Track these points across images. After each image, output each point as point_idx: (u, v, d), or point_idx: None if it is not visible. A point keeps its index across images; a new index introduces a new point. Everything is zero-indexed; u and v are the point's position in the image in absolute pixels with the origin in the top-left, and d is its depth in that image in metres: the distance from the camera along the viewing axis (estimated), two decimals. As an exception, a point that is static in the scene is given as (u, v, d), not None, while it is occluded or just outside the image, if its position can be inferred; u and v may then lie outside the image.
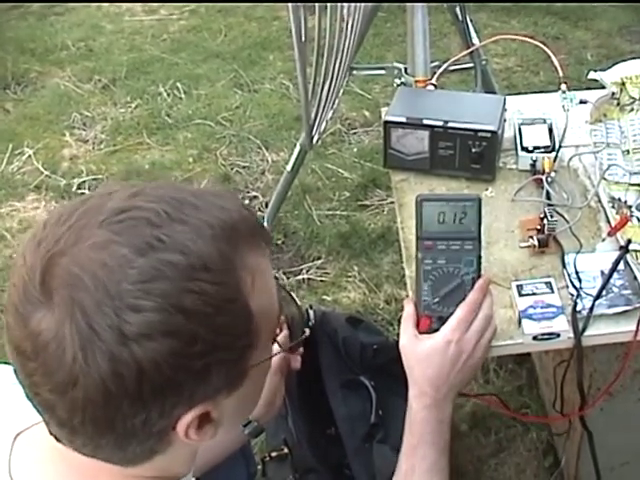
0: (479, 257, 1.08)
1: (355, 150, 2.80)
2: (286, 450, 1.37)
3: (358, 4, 1.71)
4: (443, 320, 1.05)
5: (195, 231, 0.63)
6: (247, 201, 2.61)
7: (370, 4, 1.92)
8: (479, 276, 1.08)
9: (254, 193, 2.64)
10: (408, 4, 1.93)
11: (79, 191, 2.68)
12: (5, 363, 0.85)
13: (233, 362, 0.65)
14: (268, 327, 0.70)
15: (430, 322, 1.05)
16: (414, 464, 0.99)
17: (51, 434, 0.69)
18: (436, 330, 1.04)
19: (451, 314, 1.04)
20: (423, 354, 1.00)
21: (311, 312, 1.45)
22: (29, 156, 2.88)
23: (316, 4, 1.60)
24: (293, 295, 0.98)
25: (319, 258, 2.37)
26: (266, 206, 2.51)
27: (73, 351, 0.60)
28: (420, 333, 1.04)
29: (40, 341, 0.61)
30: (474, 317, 1.01)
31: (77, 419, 0.63)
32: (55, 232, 0.64)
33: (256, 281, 0.66)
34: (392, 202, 2.43)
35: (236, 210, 0.68)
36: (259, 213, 2.53)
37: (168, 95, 3.18)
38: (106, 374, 0.60)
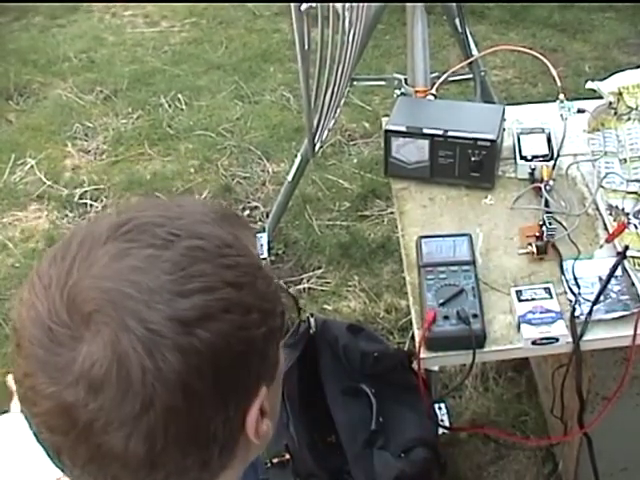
0: (476, 275, 1.16)
1: (355, 161, 2.82)
2: (287, 456, 1.37)
3: (360, 15, 1.74)
4: (448, 319, 1.09)
5: (198, 221, 0.63)
6: (248, 211, 2.63)
7: (372, 14, 1.94)
8: (478, 286, 1.13)
9: (255, 203, 2.66)
10: (409, 11, 1.95)
11: (81, 201, 2.70)
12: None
13: (279, 331, 0.65)
14: None
15: (435, 315, 1.10)
16: None
17: None
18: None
19: (456, 312, 1.08)
20: None
21: (312, 320, 1.46)
22: (31, 166, 2.89)
23: (318, 18, 1.62)
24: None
25: (319, 268, 2.38)
26: (267, 216, 2.53)
27: (140, 363, 0.55)
28: (428, 327, 1.09)
29: (95, 375, 0.55)
30: None
31: (159, 446, 0.57)
32: (60, 269, 0.59)
33: (257, 254, 0.67)
34: (392, 212, 2.44)
35: (212, 202, 0.69)
36: (260, 223, 2.55)
37: (169, 106, 3.20)
38: (182, 369, 0.56)
